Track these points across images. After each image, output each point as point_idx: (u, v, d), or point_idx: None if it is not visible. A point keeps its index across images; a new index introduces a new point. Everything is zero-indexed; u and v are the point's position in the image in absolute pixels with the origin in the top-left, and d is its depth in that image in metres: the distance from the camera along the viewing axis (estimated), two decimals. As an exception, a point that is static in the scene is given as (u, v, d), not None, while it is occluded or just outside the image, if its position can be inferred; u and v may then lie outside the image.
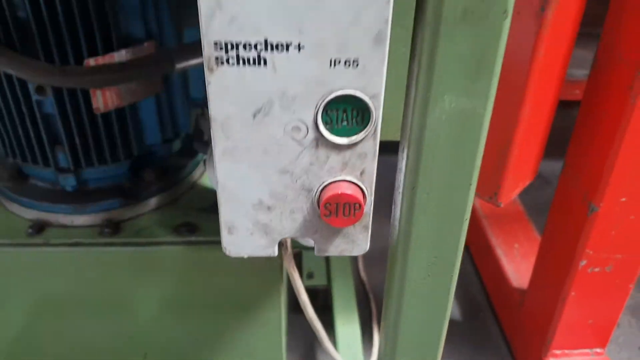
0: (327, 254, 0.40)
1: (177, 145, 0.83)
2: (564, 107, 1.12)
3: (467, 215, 0.38)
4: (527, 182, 0.88)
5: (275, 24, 0.30)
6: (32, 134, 0.71)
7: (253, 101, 0.33)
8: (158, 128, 0.77)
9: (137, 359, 0.87)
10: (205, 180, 0.86)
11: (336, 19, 0.30)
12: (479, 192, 0.85)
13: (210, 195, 0.83)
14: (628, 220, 0.88)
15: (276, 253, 0.40)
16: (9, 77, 0.67)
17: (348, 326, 1.19)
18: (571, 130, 0.90)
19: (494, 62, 0.32)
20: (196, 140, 0.76)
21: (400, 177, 0.38)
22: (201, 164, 0.86)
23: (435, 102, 0.33)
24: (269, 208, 0.37)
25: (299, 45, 0.31)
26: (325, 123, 0.34)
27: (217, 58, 0.31)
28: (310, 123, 0.34)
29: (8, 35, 0.63)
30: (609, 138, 0.81)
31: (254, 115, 0.34)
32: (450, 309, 0.44)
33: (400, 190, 0.38)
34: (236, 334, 0.84)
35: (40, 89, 0.67)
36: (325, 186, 0.36)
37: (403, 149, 0.37)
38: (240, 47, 0.31)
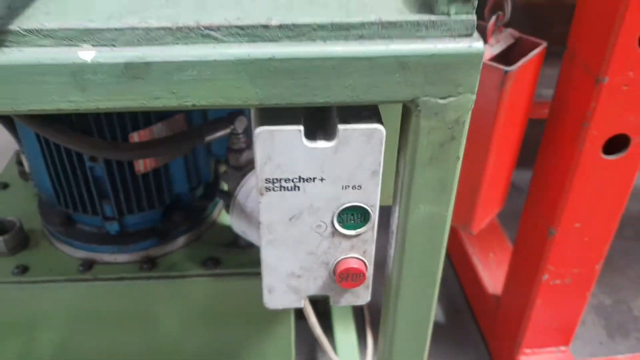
0: (339, 305, 0.55)
1: (200, 191, 0.98)
2: (535, 123, 1.25)
3: (439, 273, 0.54)
4: (496, 212, 1.04)
5: (306, 168, 0.46)
6: (84, 191, 0.86)
7: (289, 211, 0.48)
8: (185, 179, 0.93)
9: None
10: (222, 219, 1.01)
11: (346, 164, 0.46)
12: (454, 222, 1.01)
13: (227, 232, 0.98)
14: (582, 242, 1.05)
15: (302, 305, 0.55)
16: (67, 149, 0.81)
17: (345, 332, 1.34)
18: (539, 143, 1.04)
19: (452, 183, 0.47)
20: (218, 192, 0.91)
21: (391, 251, 0.54)
22: (219, 204, 1.01)
23: (413, 208, 0.48)
24: (298, 276, 0.53)
25: (321, 178, 0.47)
26: (339, 222, 0.49)
27: (266, 187, 0.47)
28: (328, 223, 0.49)
29: (69, 117, 0.78)
30: (563, 176, 0.97)
31: (290, 219, 0.49)
32: (433, 320, 0.59)
33: (392, 258, 0.54)
34: (252, 347, 1.00)
35: (93, 158, 0.82)
36: (339, 261, 0.52)
37: (393, 232, 0.53)
38: (282, 180, 0.47)
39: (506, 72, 0.81)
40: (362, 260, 0.52)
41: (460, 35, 0.41)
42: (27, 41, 0.40)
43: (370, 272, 0.53)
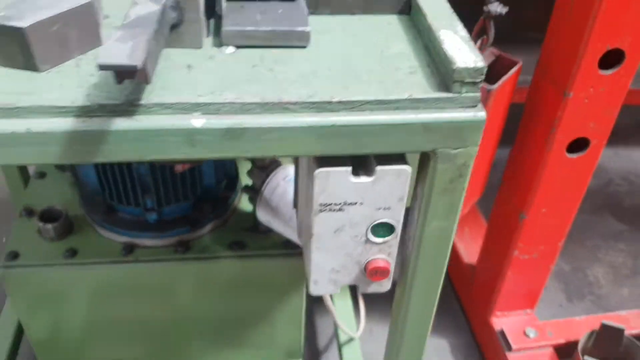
0: (366, 292, 0.72)
1: (224, 183, 1.13)
2: (514, 107, 1.37)
3: (445, 267, 0.71)
4: (475, 201, 1.22)
5: (350, 195, 0.62)
6: (129, 187, 1.00)
7: (335, 226, 0.64)
8: (213, 174, 1.07)
9: (194, 334, 1.18)
10: (242, 206, 1.16)
11: (380, 193, 0.62)
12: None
13: (248, 217, 1.13)
14: (548, 224, 1.23)
15: (338, 292, 0.71)
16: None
17: (342, 298, 1.52)
18: (516, 125, 1.18)
19: (458, 206, 0.64)
20: (245, 188, 1.06)
21: (408, 251, 0.70)
22: (239, 194, 1.16)
23: (428, 223, 0.65)
24: (337, 271, 0.69)
25: (361, 202, 0.62)
26: (372, 233, 0.66)
27: (320, 209, 0.63)
28: (363, 233, 0.66)
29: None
30: (533, 171, 1.15)
31: (335, 232, 0.65)
32: (434, 311, 0.76)
33: (409, 256, 0.71)
34: (270, 314, 1.16)
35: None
36: (369, 261, 0.68)
37: (410, 237, 0.69)
38: (332, 205, 0.62)
39: (489, 90, 0.97)
40: (387, 260, 0.68)
41: (469, 107, 0.57)
42: (153, 111, 0.54)
43: (392, 268, 0.69)
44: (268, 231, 1.09)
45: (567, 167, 1.13)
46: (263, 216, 1.02)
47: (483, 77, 0.55)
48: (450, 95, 0.56)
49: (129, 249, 1.06)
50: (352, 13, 0.68)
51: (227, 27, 0.61)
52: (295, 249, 1.08)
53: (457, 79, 0.55)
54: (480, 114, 0.57)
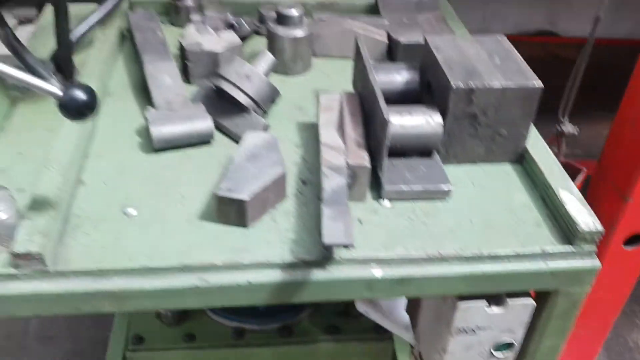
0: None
1: (320, 272, 1.27)
2: None
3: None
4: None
5: (483, 322, 0.76)
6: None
7: (466, 345, 0.78)
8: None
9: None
10: (333, 290, 1.30)
11: (508, 320, 0.76)
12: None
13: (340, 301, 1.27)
14: (602, 306, 1.37)
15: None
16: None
17: None
18: None
19: (569, 328, 0.77)
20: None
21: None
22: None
23: (543, 342, 0.79)
24: (461, 377, 0.83)
25: (490, 327, 0.77)
26: (495, 349, 0.80)
27: (456, 332, 0.77)
28: (488, 350, 0.79)
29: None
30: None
31: (465, 349, 0.79)
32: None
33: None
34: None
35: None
36: (490, 372, 0.82)
37: (528, 354, 0.83)
38: (467, 328, 0.76)
39: (563, 199, 1.11)
40: (505, 370, 0.82)
41: (587, 257, 0.71)
42: (341, 263, 0.69)
43: (507, 373, 0.83)
44: (359, 315, 1.22)
45: (622, 257, 1.27)
46: (362, 307, 1.15)
47: (601, 237, 0.70)
48: (573, 249, 0.71)
49: (239, 333, 1.20)
50: (474, 162, 0.83)
51: (387, 185, 0.75)
52: (384, 334, 1.21)
53: (581, 238, 0.70)
54: (597, 263, 0.71)
